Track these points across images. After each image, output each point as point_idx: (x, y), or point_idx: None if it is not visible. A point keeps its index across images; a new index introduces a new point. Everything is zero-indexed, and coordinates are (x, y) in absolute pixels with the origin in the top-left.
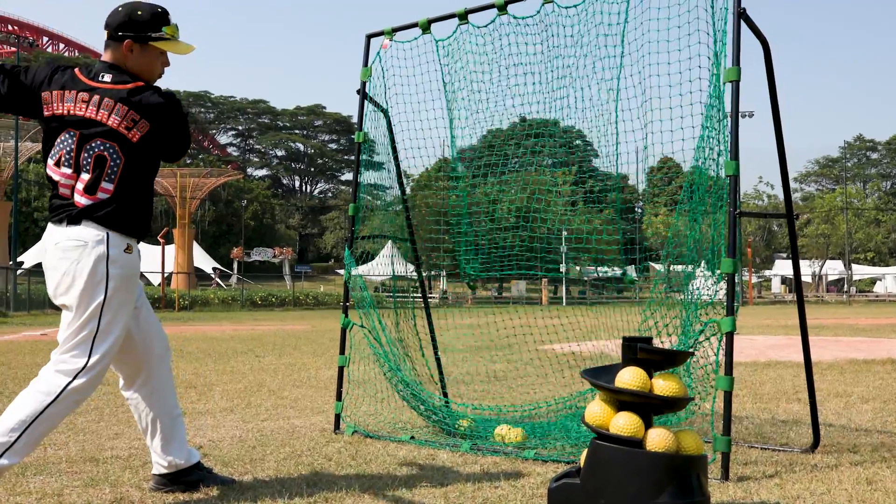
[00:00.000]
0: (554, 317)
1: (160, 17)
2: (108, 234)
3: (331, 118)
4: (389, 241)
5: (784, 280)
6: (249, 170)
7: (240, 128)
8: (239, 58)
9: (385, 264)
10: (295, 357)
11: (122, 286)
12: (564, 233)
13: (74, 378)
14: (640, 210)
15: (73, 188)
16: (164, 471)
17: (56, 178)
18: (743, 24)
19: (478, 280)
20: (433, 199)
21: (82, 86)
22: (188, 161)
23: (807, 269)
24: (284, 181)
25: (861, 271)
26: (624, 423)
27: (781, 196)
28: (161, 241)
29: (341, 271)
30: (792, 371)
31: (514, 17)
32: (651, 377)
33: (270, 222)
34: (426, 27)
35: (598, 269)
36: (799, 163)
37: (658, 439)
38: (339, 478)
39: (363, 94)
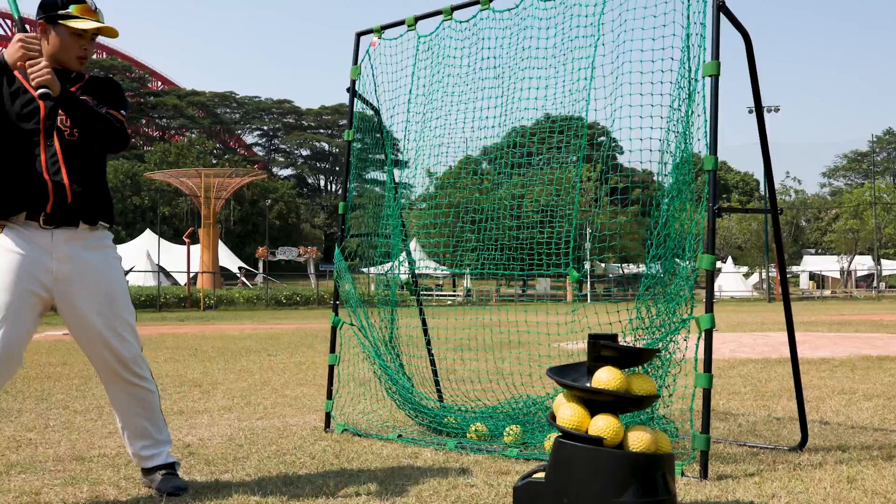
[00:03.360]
0: (573, 313)
1: None
2: None
3: (360, 117)
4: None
5: (812, 276)
6: (275, 169)
7: (265, 128)
8: (264, 58)
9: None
10: (307, 355)
11: None
12: (589, 230)
13: None
14: (665, 206)
15: None
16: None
17: None
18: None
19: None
20: (456, 196)
21: None
22: (214, 161)
23: (835, 264)
24: (310, 180)
25: (891, 267)
26: (569, 415)
27: (809, 191)
28: (186, 241)
29: (365, 270)
30: (801, 368)
31: (495, 11)
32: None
33: (296, 221)
34: (412, 24)
35: (624, 265)
36: (827, 157)
37: (617, 437)
38: (317, 476)
39: (353, 93)
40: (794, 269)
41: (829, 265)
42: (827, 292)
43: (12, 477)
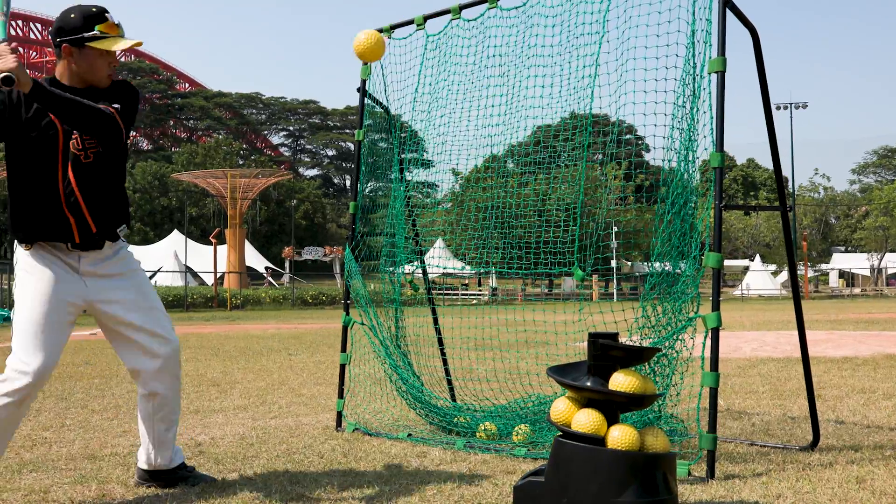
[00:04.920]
0: (597, 313)
1: (93, 17)
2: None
3: (380, 117)
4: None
5: (842, 273)
6: (301, 169)
7: (291, 128)
8: (290, 59)
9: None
10: (327, 355)
11: (26, 280)
12: (615, 228)
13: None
14: (693, 204)
15: None
16: (145, 467)
17: None
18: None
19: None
20: (482, 195)
21: None
22: (241, 162)
23: (865, 262)
24: (335, 180)
25: None
26: (585, 420)
27: (839, 188)
28: (213, 241)
29: (389, 269)
30: (822, 367)
31: (502, 10)
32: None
33: (322, 221)
34: (421, 23)
35: (650, 264)
36: (857, 154)
37: (621, 437)
38: (322, 475)
39: (363, 92)
40: (824, 266)
41: (858, 263)
42: (857, 290)
43: (23, 475)
